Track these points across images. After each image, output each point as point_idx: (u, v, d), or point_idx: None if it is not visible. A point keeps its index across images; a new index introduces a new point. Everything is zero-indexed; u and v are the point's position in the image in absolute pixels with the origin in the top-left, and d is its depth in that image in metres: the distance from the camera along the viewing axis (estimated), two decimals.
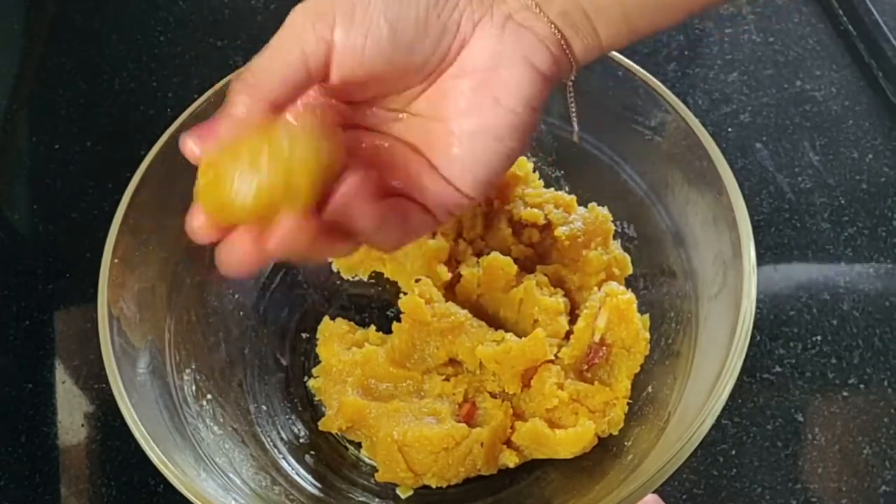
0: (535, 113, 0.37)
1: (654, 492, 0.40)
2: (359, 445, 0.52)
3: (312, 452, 0.52)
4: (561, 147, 0.57)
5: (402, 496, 0.50)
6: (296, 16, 0.35)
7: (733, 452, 0.54)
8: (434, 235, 0.56)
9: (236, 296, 0.55)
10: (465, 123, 0.37)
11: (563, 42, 0.36)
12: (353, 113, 0.39)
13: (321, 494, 0.49)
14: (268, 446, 0.51)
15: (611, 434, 0.49)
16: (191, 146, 0.35)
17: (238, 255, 0.35)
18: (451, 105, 0.37)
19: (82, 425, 0.57)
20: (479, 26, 0.36)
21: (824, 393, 0.55)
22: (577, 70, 0.38)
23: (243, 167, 0.34)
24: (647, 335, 0.51)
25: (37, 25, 0.79)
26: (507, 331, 0.51)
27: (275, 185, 0.33)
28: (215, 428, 0.48)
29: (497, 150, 0.37)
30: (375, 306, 0.58)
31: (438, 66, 0.37)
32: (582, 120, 0.54)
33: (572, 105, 0.44)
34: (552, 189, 0.57)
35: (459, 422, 0.49)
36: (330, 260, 0.59)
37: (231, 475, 0.46)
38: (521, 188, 0.56)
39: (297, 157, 0.34)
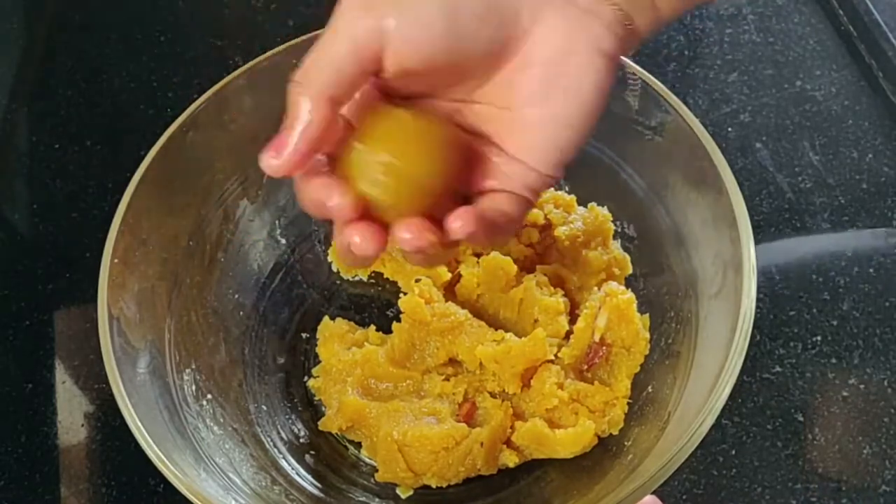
0: (606, 96, 0.37)
1: (653, 492, 0.40)
2: (359, 445, 0.52)
3: (312, 452, 0.52)
4: None
5: (402, 496, 0.50)
6: (344, 8, 0.35)
7: (733, 452, 0.54)
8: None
9: (236, 296, 0.55)
10: (535, 113, 0.37)
11: (627, 22, 0.36)
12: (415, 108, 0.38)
13: (321, 494, 0.49)
14: (268, 446, 0.51)
15: (611, 434, 0.49)
16: (271, 162, 0.35)
17: (374, 245, 0.36)
18: (519, 96, 0.37)
19: (82, 425, 0.57)
20: (541, 15, 0.35)
21: (824, 393, 0.55)
22: (638, 44, 0.38)
23: (390, 159, 0.35)
24: (647, 335, 0.51)
25: (37, 25, 0.78)
26: (506, 331, 0.51)
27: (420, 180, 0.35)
28: (215, 428, 0.48)
29: (569, 137, 0.37)
30: (375, 306, 0.58)
31: (500, 57, 0.36)
32: None
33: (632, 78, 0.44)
34: (552, 189, 0.57)
35: (459, 422, 0.50)
36: (330, 259, 0.59)
37: (231, 475, 0.46)
38: None
39: (442, 155, 0.35)
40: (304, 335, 0.57)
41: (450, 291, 0.55)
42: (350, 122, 0.37)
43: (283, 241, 0.58)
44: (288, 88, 0.35)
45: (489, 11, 0.35)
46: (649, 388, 0.49)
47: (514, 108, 0.37)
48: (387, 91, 0.38)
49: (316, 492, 0.49)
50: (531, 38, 0.36)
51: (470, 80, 0.37)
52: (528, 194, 0.38)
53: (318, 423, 0.52)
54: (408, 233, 0.35)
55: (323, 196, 0.36)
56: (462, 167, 0.37)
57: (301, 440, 0.52)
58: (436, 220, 0.36)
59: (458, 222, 0.36)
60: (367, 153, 0.35)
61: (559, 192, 0.57)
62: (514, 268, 0.53)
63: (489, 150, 0.38)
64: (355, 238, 0.36)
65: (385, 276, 0.58)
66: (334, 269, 0.59)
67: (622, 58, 0.49)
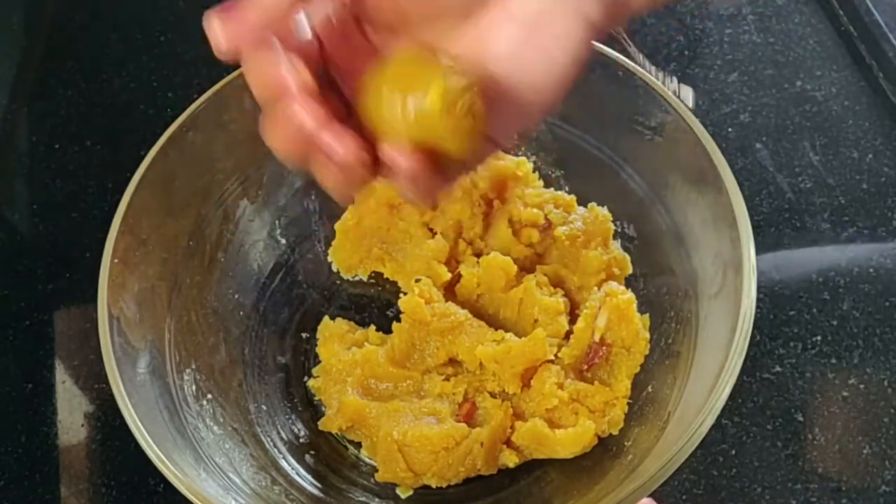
0: (581, 66, 0.35)
1: (654, 491, 0.40)
2: (359, 445, 0.52)
3: (312, 452, 0.52)
4: (561, 147, 0.57)
5: (402, 496, 0.50)
6: None
7: (733, 452, 0.54)
8: (434, 235, 0.56)
9: (236, 296, 0.55)
10: (504, 70, 0.34)
11: None
12: (384, 42, 0.37)
13: (321, 494, 0.49)
14: (268, 446, 0.51)
15: (610, 434, 0.49)
16: (216, 29, 0.33)
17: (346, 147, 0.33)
18: (492, 48, 0.34)
19: (82, 425, 0.57)
20: None
21: (824, 393, 0.55)
22: (630, 18, 0.37)
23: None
24: (647, 335, 0.51)
25: (37, 25, 0.79)
26: (506, 331, 0.51)
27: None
28: (215, 428, 0.48)
29: (535, 103, 0.35)
30: (375, 306, 0.58)
31: (476, 4, 0.34)
32: (582, 120, 0.54)
33: (631, 47, 0.42)
34: (552, 189, 0.57)
35: (459, 422, 0.50)
36: (330, 259, 0.59)
37: (231, 475, 0.46)
38: (521, 188, 0.56)
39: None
40: (304, 335, 0.57)
41: (450, 291, 0.55)
42: (322, 43, 0.35)
43: (283, 240, 0.58)
44: None
45: None
46: (649, 388, 0.49)
47: (486, 61, 0.34)
48: (360, 15, 0.36)
49: (316, 492, 0.49)
50: None
51: (444, 19, 0.35)
52: (474, 161, 0.37)
53: (318, 423, 0.52)
54: (401, 158, 0.33)
55: (275, 67, 0.33)
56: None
57: (301, 440, 0.52)
58: None
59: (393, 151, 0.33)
60: (402, 88, 0.33)
61: (559, 193, 0.57)
62: (514, 268, 0.53)
63: None
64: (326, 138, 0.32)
65: (385, 276, 0.58)
66: (334, 269, 0.59)
67: (620, 59, 0.50)
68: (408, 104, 0.33)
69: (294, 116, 0.33)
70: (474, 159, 0.37)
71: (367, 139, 0.34)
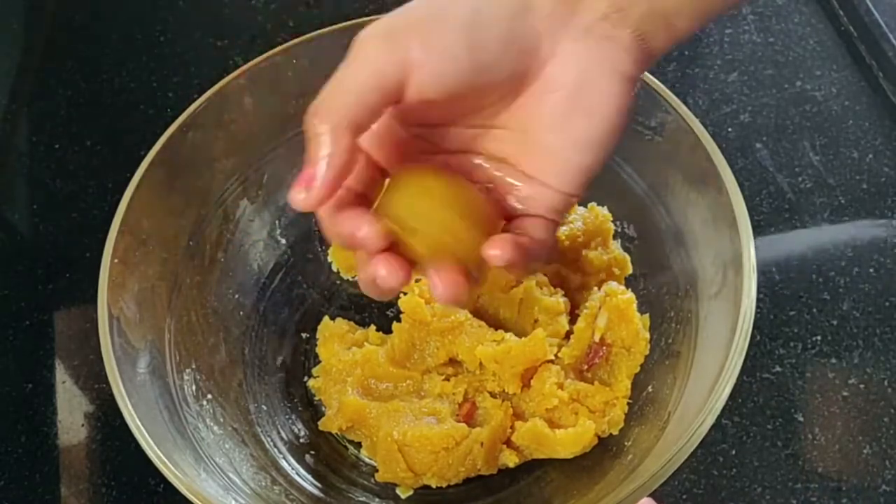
0: (627, 115, 0.37)
1: (654, 491, 0.40)
2: (359, 445, 0.52)
3: (312, 452, 0.52)
4: None
5: (402, 496, 0.50)
6: (366, 39, 0.34)
7: (733, 452, 0.54)
8: None
9: (236, 296, 0.55)
10: (558, 138, 0.37)
11: (644, 44, 0.36)
12: (433, 135, 0.39)
13: (321, 494, 0.49)
14: (268, 446, 0.51)
15: (611, 434, 0.49)
16: (300, 197, 0.34)
17: (398, 278, 0.36)
18: (540, 120, 0.37)
19: (82, 425, 0.57)
20: (560, 43, 0.36)
21: (824, 393, 0.55)
22: (655, 61, 0.39)
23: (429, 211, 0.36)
24: (647, 335, 0.51)
25: (37, 25, 0.79)
26: (507, 331, 0.51)
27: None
28: (215, 428, 0.48)
29: (592, 158, 0.37)
30: (375, 306, 0.58)
31: (520, 85, 0.36)
32: None
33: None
34: None
35: (459, 422, 0.50)
36: (330, 259, 0.59)
37: (231, 475, 0.46)
38: None
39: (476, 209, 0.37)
40: (304, 335, 0.57)
41: None
42: (370, 156, 0.38)
43: (284, 241, 0.58)
44: (306, 120, 0.34)
45: (511, 41, 0.35)
46: (649, 388, 0.49)
47: (536, 132, 0.37)
48: (404, 119, 0.38)
49: (316, 492, 0.49)
50: (551, 66, 0.36)
51: (489, 108, 0.37)
52: (553, 216, 0.39)
53: (318, 423, 0.52)
54: (440, 282, 0.36)
55: (353, 227, 0.35)
56: (489, 224, 0.38)
57: (301, 440, 0.52)
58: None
59: (496, 250, 0.36)
60: (407, 200, 0.36)
61: None
62: None
63: (511, 176, 0.38)
64: (381, 270, 0.36)
65: None
66: (334, 268, 0.59)
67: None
68: (411, 220, 0.36)
69: (370, 272, 0.36)
70: (547, 234, 0.40)
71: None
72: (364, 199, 0.37)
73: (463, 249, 0.36)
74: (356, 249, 0.37)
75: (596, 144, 0.37)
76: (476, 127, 0.38)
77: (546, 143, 0.37)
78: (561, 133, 0.37)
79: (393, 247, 0.36)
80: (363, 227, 0.35)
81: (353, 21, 0.50)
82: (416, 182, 0.36)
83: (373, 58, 0.34)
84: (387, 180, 0.38)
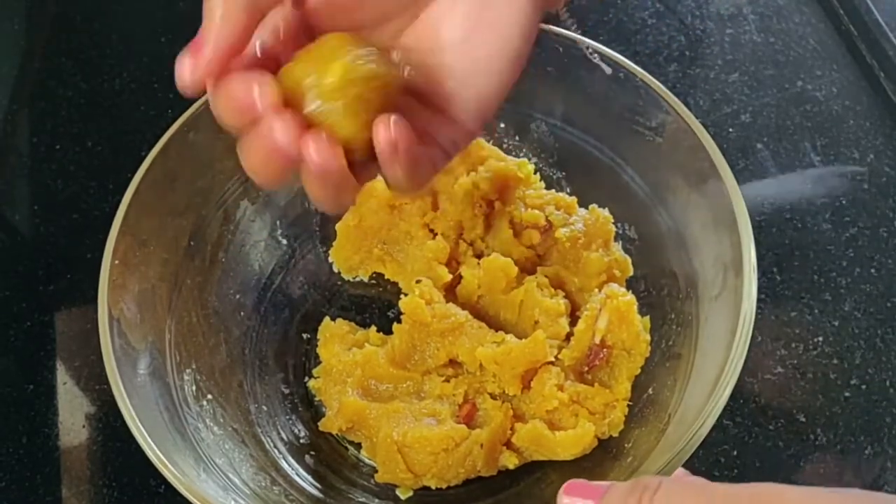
0: (530, 43, 0.36)
1: None
2: (359, 446, 0.52)
3: (312, 453, 0.52)
4: (562, 148, 0.57)
5: (402, 497, 0.50)
6: None
7: (735, 453, 0.54)
8: (435, 236, 0.56)
9: (237, 296, 0.55)
10: (458, 57, 0.36)
11: None
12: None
13: (321, 495, 0.49)
14: (268, 447, 0.51)
15: (611, 436, 0.49)
16: (187, 66, 0.33)
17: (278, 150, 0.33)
18: (443, 37, 0.36)
19: (83, 426, 0.57)
20: None
21: (826, 394, 0.55)
22: None
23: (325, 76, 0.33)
24: (648, 337, 0.51)
25: (37, 25, 0.78)
26: (507, 332, 0.51)
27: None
28: (215, 428, 0.48)
29: (492, 84, 0.36)
30: (376, 307, 0.58)
31: None
32: (583, 121, 0.54)
33: (570, 21, 0.43)
34: (553, 190, 0.57)
35: (459, 423, 0.49)
36: (331, 260, 0.59)
37: (231, 475, 0.46)
38: (522, 189, 0.56)
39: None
40: (304, 336, 0.57)
41: (450, 292, 0.55)
42: (276, 57, 0.35)
43: (284, 241, 0.58)
44: None
45: None
46: (650, 391, 0.49)
47: (439, 52, 0.36)
48: (311, 28, 0.36)
49: (316, 492, 0.49)
50: None
51: (394, 18, 0.36)
52: (448, 147, 0.38)
53: (319, 423, 0.52)
54: (315, 150, 0.33)
55: (244, 90, 0.33)
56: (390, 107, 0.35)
57: (301, 441, 0.52)
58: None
59: (384, 125, 0.33)
60: (310, 68, 0.34)
61: (560, 194, 0.56)
62: (515, 269, 0.53)
63: (413, 103, 0.37)
64: (311, 152, 0.33)
65: (386, 277, 0.58)
66: (335, 269, 0.59)
67: (621, 59, 0.50)
68: (307, 80, 0.33)
69: (271, 133, 0.33)
70: (438, 161, 0.38)
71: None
72: None
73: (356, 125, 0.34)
74: (247, 129, 0.34)
75: (497, 67, 0.36)
76: (381, 42, 0.37)
77: (447, 63, 0.36)
78: (462, 52, 0.36)
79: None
80: (256, 87, 0.33)
81: None
82: (327, 49, 0.34)
83: None
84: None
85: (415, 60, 0.37)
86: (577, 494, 0.32)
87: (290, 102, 0.34)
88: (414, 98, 0.37)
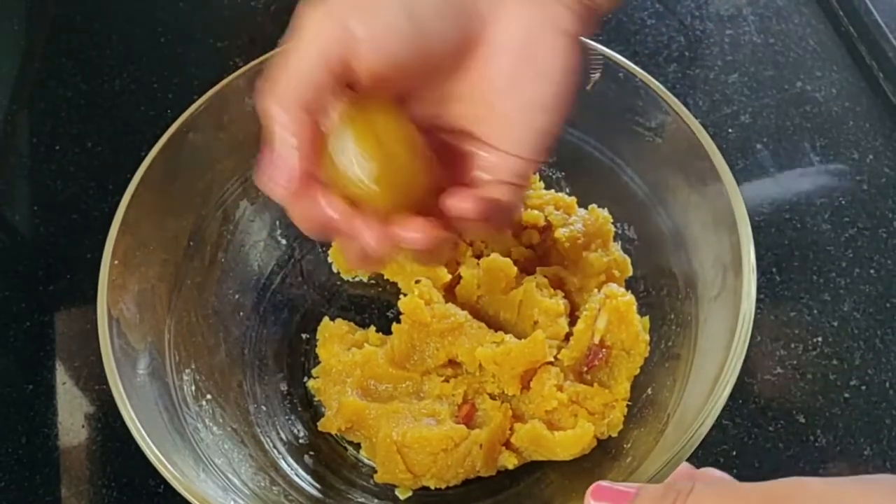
0: (575, 75, 0.37)
1: None
2: (358, 446, 0.52)
3: (312, 453, 0.52)
4: (561, 148, 0.56)
5: (401, 497, 0.50)
6: (308, 19, 0.35)
7: (734, 453, 0.54)
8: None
9: (236, 296, 0.55)
10: (509, 102, 0.37)
11: (588, 2, 0.37)
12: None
13: (320, 495, 0.49)
14: (267, 447, 0.51)
15: (610, 436, 0.49)
16: (270, 186, 0.35)
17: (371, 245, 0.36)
18: (491, 85, 0.37)
19: (83, 426, 0.57)
20: (502, 5, 0.36)
21: (825, 394, 0.55)
22: (601, 20, 0.39)
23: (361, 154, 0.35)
24: (647, 337, 0.51)
25: (37, 25, 0.79)
26: (506, 332, 0.51)
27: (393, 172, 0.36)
28: (215, 428, 0.48)
29: (545, 120, 0.38)
30: (375, 307, 0.58)
31: (465, 50, 0.37)
32: (583, 121, 0.54)
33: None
34: (552, 191, 0.57)
35: (458, 423, 0.49)
36: (330, 260, 0.59)
37: (230, 476, 0.46)
38: None
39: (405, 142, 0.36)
40: (304, 336, 0.57)
41: (450, 293, 0.55)
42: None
43: (284, 241, 0.58)
44: (258, 104, 0.35)
45: (447, 5, 0.35)
46: (649, 391, 0.49)
47: (490, 100, 0.37)
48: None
49: (315, 492, 0.49)
50: (493, 28, 0.36)
51: (440, 77, 0.38)
52: (516, 180, 0.39)
53: (318, 423, 0.52)
54: (413, 231, 0.36)
55: (315, 209, 0.36)
56: (439, 165, 0.38)
57: (300, 441, 0.52)
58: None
59: (455, 199, 0.36)
60: (346, 152, 0.35)
61: (560, 194, 0.56)
62: (515, 269, 0.53)
63: (473, 145, 0.39)
64: (369, 240, 0.36)
65: (385, 277, 0.58)
66: (334, 269, 0.59)
67: (620, 59, 0.50)
68: (351, 171, 0.35)
69: (358, 238, 0.36)
70: (512, 197, 0.40)
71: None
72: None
73: (418, 192, 0.36)
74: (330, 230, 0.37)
75: (549, 105, 0.37)
76: (432, 102, 0.39)
77: (501, 109, 0.37)
78: (513, 96, 0.37)
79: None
80: (322, 202, 0.35)
81: None
82: (364, 124, 0.36)
83: (316, 37, 0.34)
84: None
85: (466, 109, 0.38)
86: (605, 499, 0.31)
87: (334, 177, 0.36)
88: (467, 143, 0.39)
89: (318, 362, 0.55)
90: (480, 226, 0.38)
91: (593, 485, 0.32)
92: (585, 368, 0.51)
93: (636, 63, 0.50)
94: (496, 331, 0.52)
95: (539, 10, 0.36)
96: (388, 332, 0.54)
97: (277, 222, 0.58)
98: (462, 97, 0.38)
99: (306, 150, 0.34)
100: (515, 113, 0.37)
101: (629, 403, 0.49)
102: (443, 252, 0.38)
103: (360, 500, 0.50)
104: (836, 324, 0.58)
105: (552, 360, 0.50)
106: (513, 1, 0.36)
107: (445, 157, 0.39)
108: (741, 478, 0.53)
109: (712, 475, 0.41)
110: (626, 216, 0.55)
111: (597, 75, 0.50)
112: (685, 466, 0.41)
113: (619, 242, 0.55)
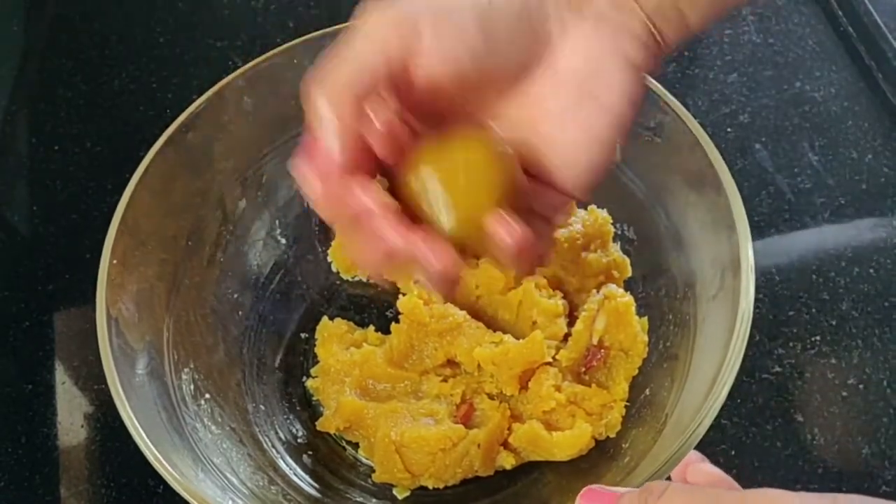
0: (636, 108, 0.36)
1: None
2: (356, 446, 0.52)
3: (310, 452, 0.52)
4: None
5: (399, 497, 0.50)
6: (371, 10, 0.33)
7: (733, 453, 0.54)
8: None
9: (235, 296, 0.55)
10: (565, 132, 0.35)
11: (656, 35, 0.36)
12: (440, 126, 0.36)
13: (318, 495, 0.49)
14: (266, 446, 0.51)
15: (608, 436, 0.49)
16: (309, 176, 0.33)
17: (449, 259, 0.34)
18: (547, 111, 0.35)
19: (82, 426, 0.57)
20: (571, 28, 0.35)
21: (824, 393, 0.55)
22: (665, 58, 0.37)
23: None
24: (646, 338, 0.51)
25: (37, 25, 0.79)
26: (505, 332, 0.51)
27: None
28: (213, 428, 0.48)
29: (600, 153, 0.36)
30: (374, 307, 0.58)
31: (527, 70, 0.35)
32: None
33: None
34: None
35: (457, 423, 0.50)
36: (329, 260, 0.59)
37: (229, 475, 0.46)
38: None
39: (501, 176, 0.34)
40: (302, 335, 0.57)
41: None
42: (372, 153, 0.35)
43: (283, 241, 0.58)
44: (306, 92, 0.33)
45: (521, 23, 0.34)
46: (647, 391, 0.49)
47: (542, 125, 0.36)
48: (412, 109, 0.35)
49: (313, 492, 0.49)
50: (560, 51, 0.35)
51: (494, 94, 0.36)
52: (555, 217, 0.38)
53: (317, 423, 0.52)
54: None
55: (351, 200, 0.33)
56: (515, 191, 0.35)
57: (299, 440, 0.52)
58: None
59: (504, 228, 0.33)
60: (428, 193, 0.34)
61: None
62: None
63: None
64: (432, 259, 0.33)
65: (384, 277, 0.58)
66: (334, 269, 0.59)
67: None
68: (431, 198, 0.34)
69: (385, 237, 0.33)
70: (547, 234, 0.38)
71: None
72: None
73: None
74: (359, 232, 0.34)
75: (605, 138, 0.35)
76: (482, 118, 0.37)
77: (553, 139, 0.36)
78: (568, 126, 0.35)
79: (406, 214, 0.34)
80: (369, 194, 0.33)
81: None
82: (446, 155, 0.34)
83: (380, 35, 0.33)
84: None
85: (520, 135, 0.36)
86: (593, 501, 0.32)
87: (407, 198, 0.34)
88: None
89: (317, 362, 0.55)
90: (521, 268, 0.36)
91: (585, 488, 0.32)
92: (584, 369, 0.51)
93: None
94: (495, 331, 0.52)
95: (609, 38, 0.35)
96: (386, 331, 0.54)
97: (276, 222, 0.58)
98: (514, 119, 0.36)
99: (349, 142, 0.33)
100: (568, 143, 0.35)
101: (627, 404, 0.49)
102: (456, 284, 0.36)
103: (358, 499, 0.50)
104: (834, 323, 0.58)
105: (550, 360, 0.50)
106: (584, 28, 0.35)
107: None
108: (739, 477, 0.53)
109: (708, 471, 0.41)
110: (625, 216, 0.55)
111: None
112: (694, 454, 0.41)
113: (619, 243, 0.55)
